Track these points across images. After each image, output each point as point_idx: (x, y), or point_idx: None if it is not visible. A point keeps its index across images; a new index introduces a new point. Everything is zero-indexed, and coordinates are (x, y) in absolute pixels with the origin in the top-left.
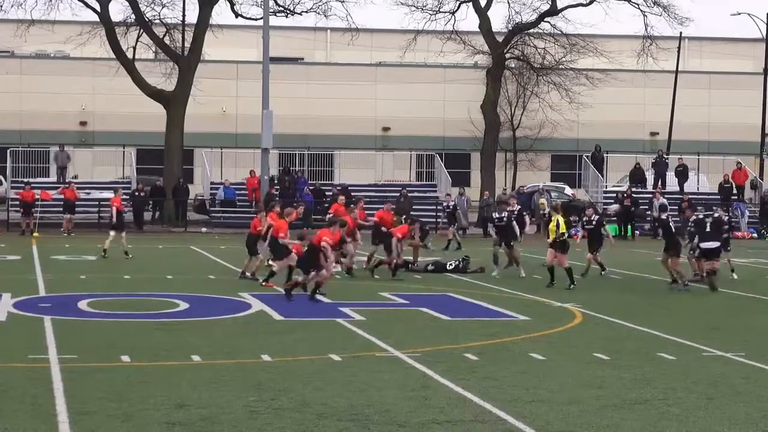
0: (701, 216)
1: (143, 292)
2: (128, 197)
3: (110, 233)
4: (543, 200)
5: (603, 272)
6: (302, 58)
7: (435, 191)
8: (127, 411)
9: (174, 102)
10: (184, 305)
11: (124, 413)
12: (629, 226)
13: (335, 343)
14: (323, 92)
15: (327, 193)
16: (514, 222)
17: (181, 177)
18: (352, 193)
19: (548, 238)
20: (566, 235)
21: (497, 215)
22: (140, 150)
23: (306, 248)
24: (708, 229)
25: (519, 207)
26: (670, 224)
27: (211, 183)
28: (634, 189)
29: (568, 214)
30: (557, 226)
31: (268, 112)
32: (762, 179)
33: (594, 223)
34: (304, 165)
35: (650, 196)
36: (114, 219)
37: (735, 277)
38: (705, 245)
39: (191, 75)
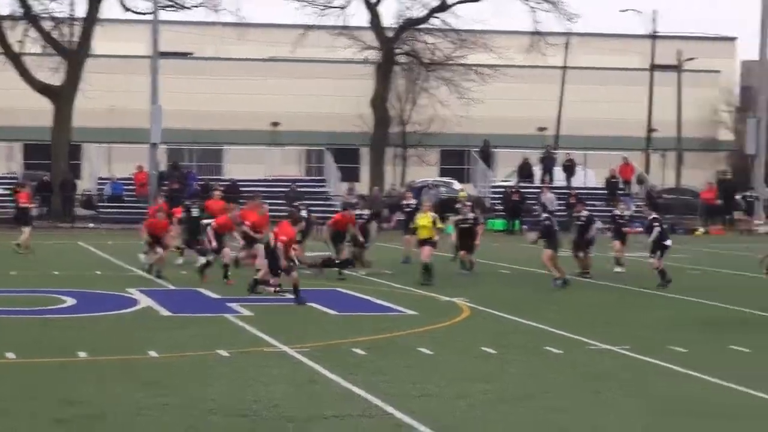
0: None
1: (29, 288)
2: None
3: (23, 229)
4: (463, 192)
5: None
6: (192, 53)
7: (324, 186)
8: (11, 408)
9: (62, 97)
10: (70, 301)
11: (7, 410)
12: (517, 221)
13: (223, 339)
14: (213, 87)
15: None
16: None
17: (69, 172)
18: (241, 189)
19: (416, 234)
20: (443, 230)
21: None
22: (27, 145)
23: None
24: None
25: (414, 202)
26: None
27: (99, 178)
28: (522, 184)
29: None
30: (433, 223)
31: (157, 107)
32: (648, 174)
33: (584, 220)
34: (193, 160)
35: (538, 191)
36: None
37: (619, 270)
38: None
39: (80, 69)
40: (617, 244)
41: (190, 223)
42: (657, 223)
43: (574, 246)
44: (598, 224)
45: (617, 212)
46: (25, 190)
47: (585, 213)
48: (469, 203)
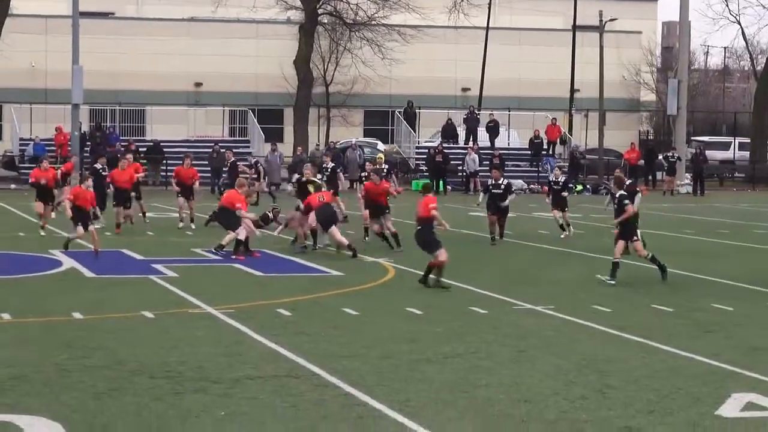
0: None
1: None
2: None
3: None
4: (381, 154)
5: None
6: (113, 13)
7: (248, 147)
8: None
9: None
10: None
11: None
12: (441, 181)
13: (148, 301)
14: (134, 47)
15: (141, 150)
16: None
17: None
18: (164, 149)
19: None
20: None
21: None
22: None
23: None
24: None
25: (333, 165)
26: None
27: (21, 139)
28: (446, 144)
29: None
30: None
31: (78, 67)
32: (571, 135)
33: (561, 184)
34: (116, 121)
35: (463, 151)
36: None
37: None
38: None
39: None
40: (556, 213)
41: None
42: (627, 201)
43: (490, 212)
44: (513, 196)
45: (552, 178)
46: None
47: (503, 181)
48: (385, 167)
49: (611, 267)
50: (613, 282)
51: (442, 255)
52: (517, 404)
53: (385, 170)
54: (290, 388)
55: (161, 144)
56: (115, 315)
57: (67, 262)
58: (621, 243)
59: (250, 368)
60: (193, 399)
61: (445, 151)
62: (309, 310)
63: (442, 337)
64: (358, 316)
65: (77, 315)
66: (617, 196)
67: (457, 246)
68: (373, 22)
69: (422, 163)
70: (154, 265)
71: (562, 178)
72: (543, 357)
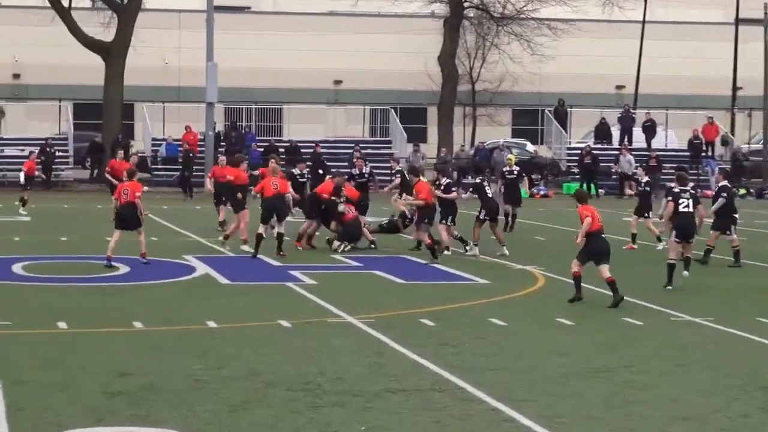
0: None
1: (81, 254)
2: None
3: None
4: (511, 156)
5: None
6: (249, 7)
7: (390, 147)
8: (64, 380)
9: (113, 53)
10: (124, 269)
11: (60, 382)
12: (592, 184)
13: (285, 309)
14: (271, 43)
15: (280, 150)
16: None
17: (121, 132)
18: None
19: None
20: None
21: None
22: (77, 104)
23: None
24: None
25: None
26: (486, 188)
27: (153, 139)
28: (599, 145)
29: (530, 172)
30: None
31: (212, 64)
32: (733, 135)
33: (643, 185)
34: (252, 120)
35: (617, 152)
36: (23, 182)
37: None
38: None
39: (131, 24)
40: (637, 220)
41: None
42: (725, 192)
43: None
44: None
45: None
46: (30, 159)
47: (646, 179)
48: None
49: None
50: None
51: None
52: (675, 422)
53: (516, 173)
54: (434, 402)
55: (298, 144)
56: (251, 324)
57: (201, 268)
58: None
59: (391, 381)
60: (331, 413)
61: (595, 152)
62: (453, 319)
63: (594, 349)
64: (506, 326)
65: (211, 323)
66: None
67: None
68: (522, 16)
69: (574, 165)
70: (291, 272)
71: (644, 179)
72: (702, 372)
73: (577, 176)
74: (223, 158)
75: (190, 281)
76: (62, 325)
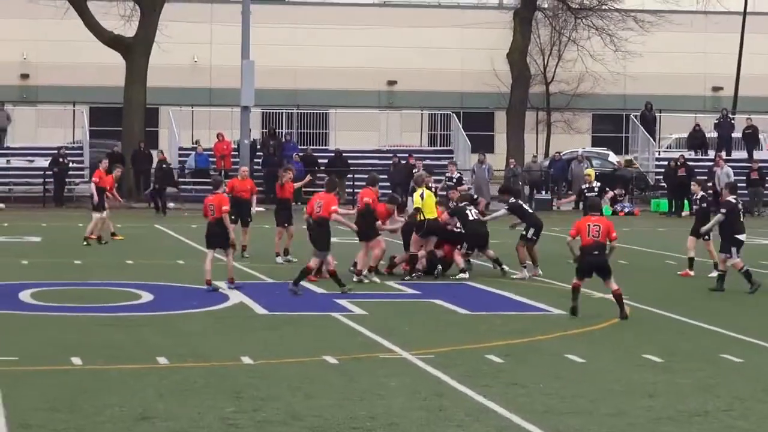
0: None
1: (97, 280)
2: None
3: (93, 215)
4: (590, 170)
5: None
6: None
7: (451, 158)
8: (78, 424)
9: (135, 50)
10: (147, 297)
11: (74, 426)
12: (685, 200)
13: (331, 343)
14: (316, 39)
15: (320, 161)
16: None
17: (144, 141)
18: (349, 161)
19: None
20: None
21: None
22: (94, 108)
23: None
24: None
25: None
26: (468, 212)
27: (180, 148)
28: (692, 155)
29: (613, 187)
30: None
31: (248, 62)
32: None
33: (698, 201)
34: (293, 127)
35: (711, 164)
36: (96, 199)
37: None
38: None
39: (156, 18)
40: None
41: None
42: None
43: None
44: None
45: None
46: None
47: (701, 194)
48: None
49: None
50: None
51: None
52: None
53: (596, 189)
54: None
55: (344, 154)
56: (292, 360)
57: (235, 296)
58: None
59: (453, 426)
60: None
61: (690, 163)
62: (525, 356)
63: (688, 390)
64: (585, 363)
65: (247, 360)
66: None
67: (704, 279)
68: (604, 7)
69: (662, 179)
70: (337, 300)
71: (699, 194)
72: None
73: (665, 191)
74: (245, 169)
75: (222, 311)
76: (76, 360)
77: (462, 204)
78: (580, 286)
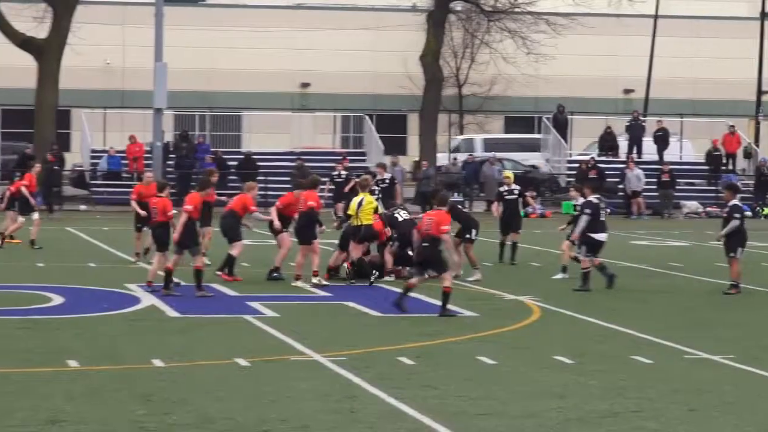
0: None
1: (7, 283)
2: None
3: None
4: (509, 173)
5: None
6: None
7: (364, 160)
8: None
9: (47, 52)
10: (58, 299)
11: None
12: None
13: (242, 345)
14: (229, 41)
15: (231, 164)
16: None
17: (56, 143)
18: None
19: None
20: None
21: None
22: (5, 110)
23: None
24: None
25: (390, 176)
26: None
27: (92, 151)
28: (604, 158)
29: (526, 188)
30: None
31: (161, 64)
32: (758, 146)
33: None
34: (206, 129)
35: (623, 166)
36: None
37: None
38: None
39: (68, 19)
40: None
41: None
42: (738, 214)
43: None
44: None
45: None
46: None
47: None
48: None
49: None
50: None
51: (448, 280)
52: None
53: (516, 192)
54: None
55: (254, 157)
56: (203, 363)
57: (146, 299)
58: None
59: (365, 428)
60: None
61: (601, 165)
62: (436, 358)
63: (598, 391)
64: (496, 365)
65: (158, 362)
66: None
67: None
68: (517, 10)
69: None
70: (249, 303)
71: (580, 200)
72: (720, 417)
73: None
74: (149, 174)
75: (133, 314)
76: None
77: (390, 209)
78: (414, 285)
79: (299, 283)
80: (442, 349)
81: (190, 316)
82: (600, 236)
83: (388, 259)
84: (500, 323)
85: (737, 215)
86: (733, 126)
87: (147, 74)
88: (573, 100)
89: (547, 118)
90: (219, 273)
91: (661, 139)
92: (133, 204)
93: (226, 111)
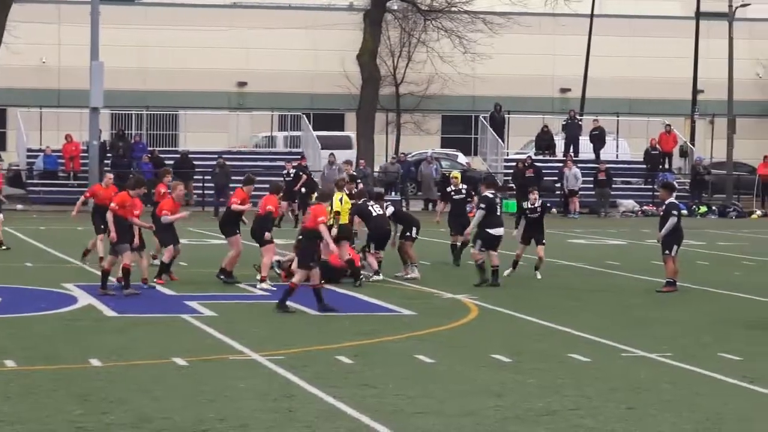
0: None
1: None
2: None
3: None
4: (456, 173)
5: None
6: None
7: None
8: None
9: None
10: None
11: None
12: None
13: (180, 345)
14: (165, 39)
15: (167, 162)
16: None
17: None
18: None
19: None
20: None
21: None
22: None
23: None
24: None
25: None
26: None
27: (28, 150)
28: (540, 156)
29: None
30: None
31: (97, 63)
32: (693, 145)
33: (538, 209)
34: (142, 128)
35: (560, 165)
36: None
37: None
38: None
39: (3, 18)
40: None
41: None
42: (675, 211)
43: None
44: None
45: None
46: None
47: (539, 201)
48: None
49: None
50: None
51: (315, 277)
52: None
53: (464, 191)
54: None
55: (190, 156)
56: (141, 362)
57: (83, 299)
58: None
59: (303, 427)
60: None
61: (537, 164)
62: (374, 356)
63: (536, 389)
64: (434, 364)
65: (95, 362)
66: None
67: (553, 279)
68: (453, 9)
69: (510, 179)
70: (187, 302)
71: (539, 202)
72: (657, 415)
73: (514, 192)
74: (110, 176)
75: (70, 313)
76: None
77: (362, 200)
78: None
79: (265, 285)
80: (380, 348)
81: (127, 315)
82: (496, 231)
83: (372, 261)
84: (438, 322)
85: (674, 212)
86: (669, 125)
87: (83, 73)
88: (510, 99)
89: (484, 117)
90: (156, 280)
91: (598, 138)
92: (137, 221)
93: (163, 110)
